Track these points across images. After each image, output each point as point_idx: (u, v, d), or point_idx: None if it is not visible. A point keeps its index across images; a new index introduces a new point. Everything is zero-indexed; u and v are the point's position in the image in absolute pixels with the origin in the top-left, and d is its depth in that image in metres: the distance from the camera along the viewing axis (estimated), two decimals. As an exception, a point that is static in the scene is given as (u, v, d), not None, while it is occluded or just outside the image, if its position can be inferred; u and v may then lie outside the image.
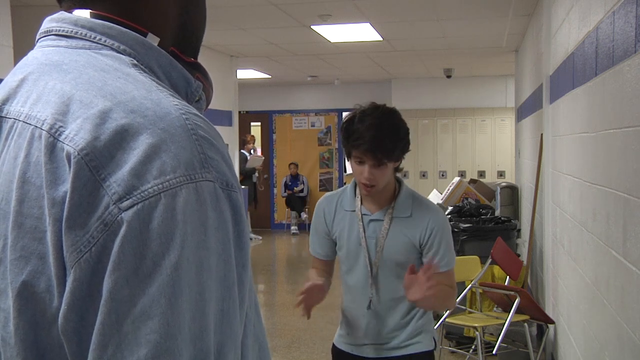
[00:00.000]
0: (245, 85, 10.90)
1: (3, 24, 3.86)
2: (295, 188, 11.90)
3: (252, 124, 12.45)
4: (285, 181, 12.00)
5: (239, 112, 10.05)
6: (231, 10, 5.62)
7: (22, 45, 4.34)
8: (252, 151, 11.01)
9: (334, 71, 10.05)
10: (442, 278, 2.18)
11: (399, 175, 2.32)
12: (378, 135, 2.12)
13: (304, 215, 11.96)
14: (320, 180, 12.25)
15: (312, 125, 12.22)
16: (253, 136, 11.44)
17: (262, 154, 12.08)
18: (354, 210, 2.28)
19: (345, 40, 7.17)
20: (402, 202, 2.26)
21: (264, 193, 12.08)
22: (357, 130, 2.14)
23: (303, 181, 12.00)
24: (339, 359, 2.38)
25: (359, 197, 2.29)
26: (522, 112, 7.18)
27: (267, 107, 12.26)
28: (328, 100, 12.07)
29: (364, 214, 2.27)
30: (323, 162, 12.23)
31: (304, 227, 11.97)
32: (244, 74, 9.61)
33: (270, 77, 10.60)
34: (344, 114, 12.23)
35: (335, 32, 6.72)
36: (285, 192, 11.95)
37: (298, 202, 11.87)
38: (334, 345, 2.41)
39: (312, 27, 6.40)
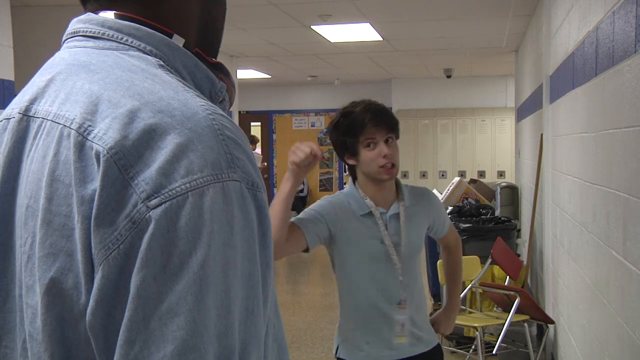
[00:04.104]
0: (245, 85, 10.90)
1: (3, 24, 3.85)
2: (295, 188, 11.90)
3: (252, 124, 12.44)
4: (285, 181, 11.99)
5: (239, 112, 10.05)
6: (231, 10, 5.58)
7: (22, 45, 4.34)
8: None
9: (334, 71, 10.05)
10: (451, 233, 2.47)
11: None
12: (376, 109, 2.21)
13: (303, 215, 11.95)
14: (320, 180, 12.26)
15: (312, 125, 12.22)
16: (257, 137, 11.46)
17: (262, 153, 12.08)
18: (370, 212, 2.22)
19: (345, 40, 7.17)
20: (405, 192, 2.31)
21: (264, 193, 12.06)
22: (354, 116, 2.19)
23: (303, 181, 12.00)
24: None
25: (368, 198, 2.24)
26: (522, 112, 7.18)
27: (267, 107, 12.26)
28: (328, 100, 12.06)
29: (382, 213, 2.24)
30: (323, 162, 12.23)
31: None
32: (244, 74, 9.60)
33: (270, 77, 10.59)
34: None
35: (335, 32, 6.71)
36: (285, 192, 11.93)
37: (298, 202, 11.86)
38: None
39: (312, 27, 6.40)
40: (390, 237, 2.22)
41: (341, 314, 2.33)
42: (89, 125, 0.71)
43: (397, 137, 2.26)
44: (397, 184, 2.32)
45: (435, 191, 8.10)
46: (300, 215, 2.22)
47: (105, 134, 0.70)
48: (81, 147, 0.71)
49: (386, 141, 2.19)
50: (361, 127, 2.17)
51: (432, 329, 2.38)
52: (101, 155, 0.68)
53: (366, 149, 2.18)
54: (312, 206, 2.27)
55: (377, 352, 2.24)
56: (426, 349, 2.30)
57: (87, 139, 0.70)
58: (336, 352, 2.31)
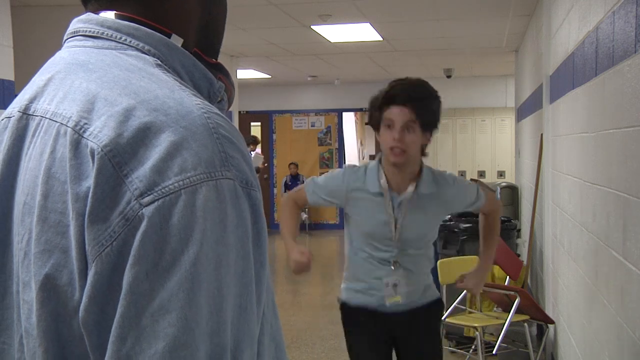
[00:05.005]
0: (245, 85, 10.90)
1: (3, 24, 3.85)
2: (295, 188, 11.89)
3: (252, 124, 12.43)
4: (285, 181, 12.00)
5: (239, 112, 10.05)
6: (231, 10, 5.56)
7: (22, 45, 4.34)
8: (251, 153, 11.01)
9: (334, 71, 10.05)
10: (489, 204, 2.46)
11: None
12: (413, 90, 2.25)
13: (303, 215, 11.96)
14: (320, 180, 12.24)
15: (312, 125, 12.21)
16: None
17: (262, 153, 12.08)
18: (381, 193, 2.30)
19: (345, 40, 7.17)
20: (426, 179, 2.36)
21: (263, 193, 12.07)
22: (394, 89, 2.24)
23: (303, 181, 11.96)
24: (356, 316, 2.41)
25: (384, 177, 2.32)
26: (522, 112, 7.18)
27: (267, 107, 12.26)
28: (328, 100, 12.06)
29: (393, 197, 2.31)
30: (323, 162, 12.23)
31: (303, 227, 11.97)
32: (244, 74, 9.60)
33: (270, 77, 10.59)
34: (344, 114, 12.26)
35: (335, 32, 6.71)
36: (285, 192, 11.94)
37: (298, 202, 11.85)
38: (345, 303, 2.43)
39: (312, 27, 6.40)
40: (393, 218, 2.29)
41: (346, 267, 2.46)
42: (85, 123, 0.72)
43: (425, 127, 2.26)
44: (421, 171, 2.37)
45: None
46: (311, 187, 2.42)
47: (100, 132, 0.70)
48: (77, 144, 0.71)
49: (407, 127, 2.21)
50: (387, 99, 2.24)
51: (434, 293, 2.46)
52: (96, 153, 0.69)
53: (385, 128, 2.26)
54: (328, 177, 2.40)
55: (372, 300, 2.37)
56: (424, 302, 2.41)
57: (82, 136, 0.71)
58: (339, 299, 2.48)
